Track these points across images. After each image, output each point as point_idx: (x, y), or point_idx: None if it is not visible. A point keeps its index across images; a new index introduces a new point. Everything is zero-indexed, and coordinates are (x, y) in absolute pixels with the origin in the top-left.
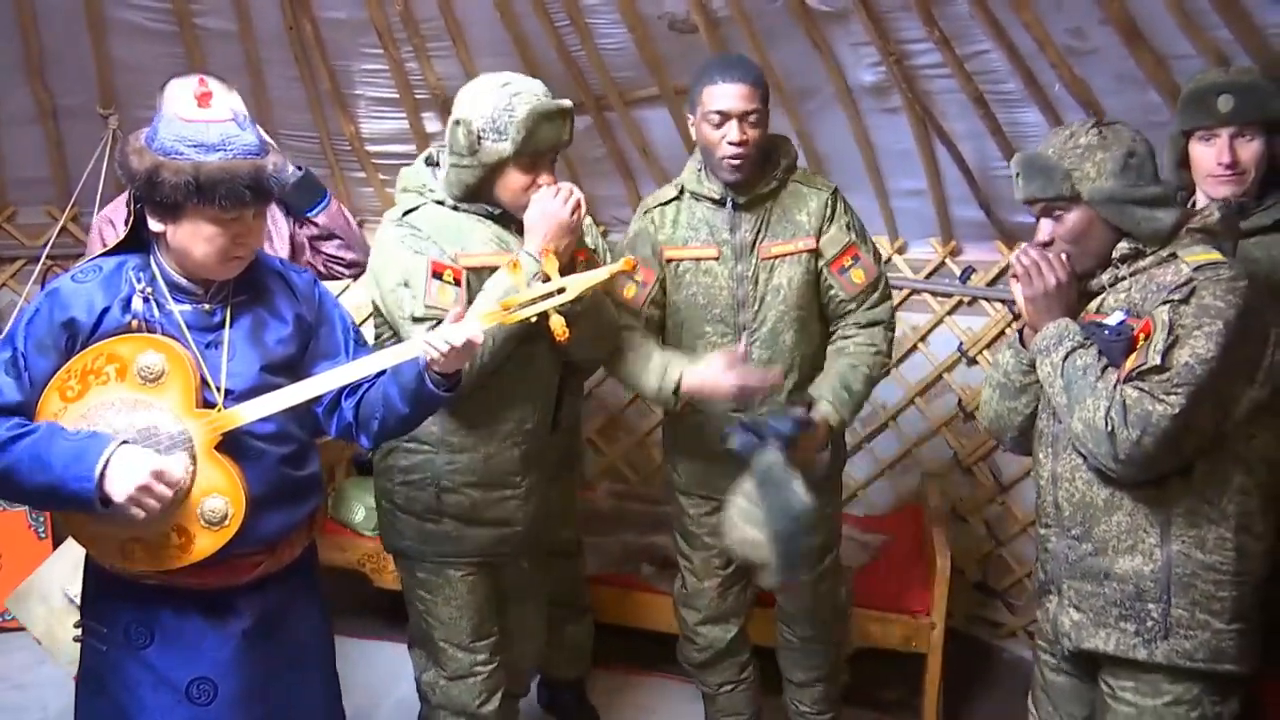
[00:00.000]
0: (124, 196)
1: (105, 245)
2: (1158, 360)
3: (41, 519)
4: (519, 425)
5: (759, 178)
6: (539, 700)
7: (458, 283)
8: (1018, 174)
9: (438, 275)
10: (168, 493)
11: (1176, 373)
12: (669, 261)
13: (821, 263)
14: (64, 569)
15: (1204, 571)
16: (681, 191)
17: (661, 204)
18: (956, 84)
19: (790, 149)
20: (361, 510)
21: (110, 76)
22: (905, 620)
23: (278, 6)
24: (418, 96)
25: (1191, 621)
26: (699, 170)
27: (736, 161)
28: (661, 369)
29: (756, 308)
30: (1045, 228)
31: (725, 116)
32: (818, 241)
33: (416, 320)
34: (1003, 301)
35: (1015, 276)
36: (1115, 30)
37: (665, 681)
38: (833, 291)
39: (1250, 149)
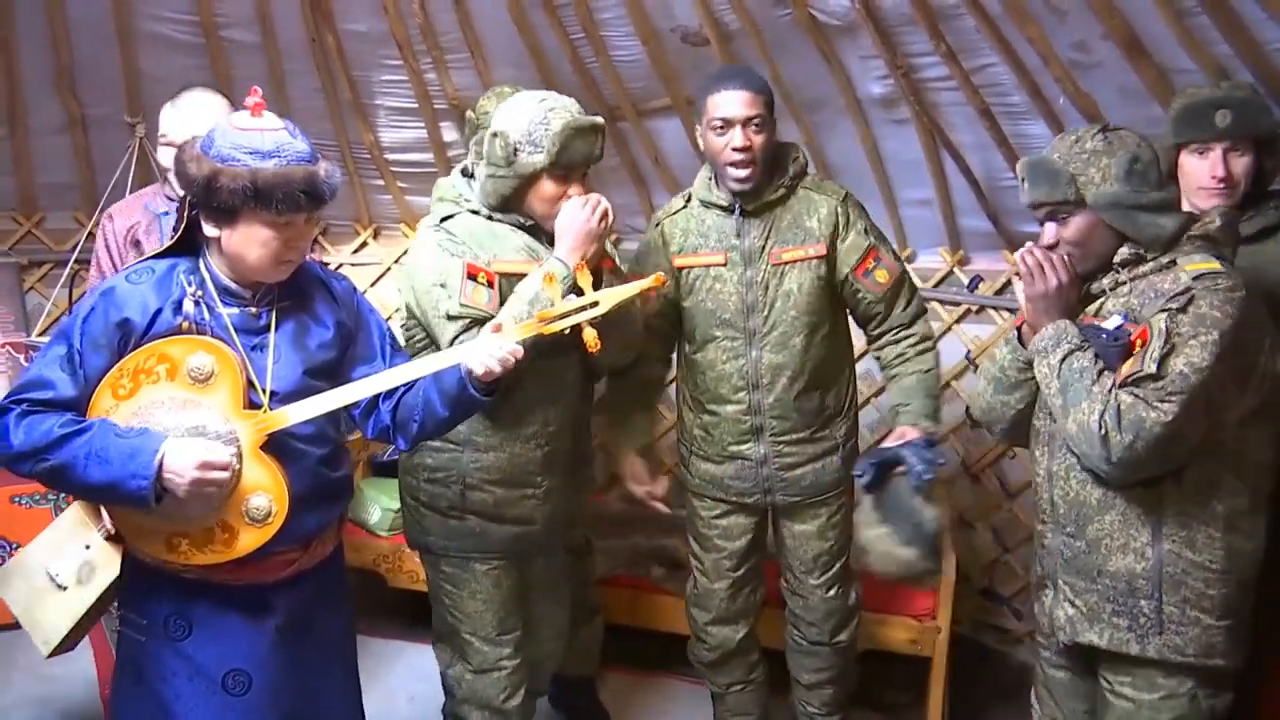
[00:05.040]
0: (132, 197)
1: (105, 239)
2: (1153, 368)
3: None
4: (543, 427)
5: (766, 185)
6: (550, 700)
7: (490, 285)
8: (1023, 178)
9: (472, 277)
10: (223, 475)
11: (1171, 380)
12: (680, 269)
13: (846, 270)
14: (45, 550)
15: (1194, 570)
16: (689, 200)
17: (671, 214)
18: (963, 96)
19: (799, 155)
20: (377, 511)
21: (137, 87)
22: (911, 624)
23: (301, 19)
24: (436, 106)
25: (1183, 618)
26: (709, 179)
27: (742, 171)
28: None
29: (766, 313)
30: (1050, 230)
31: (728, 123)
32: (829, 248)
33: (451, 318)
34: (1010, 310)
35: (1018, 274)
36: (1118, 45)
37: (675, 682)
38: (860, 294)
39: (1241, 163)
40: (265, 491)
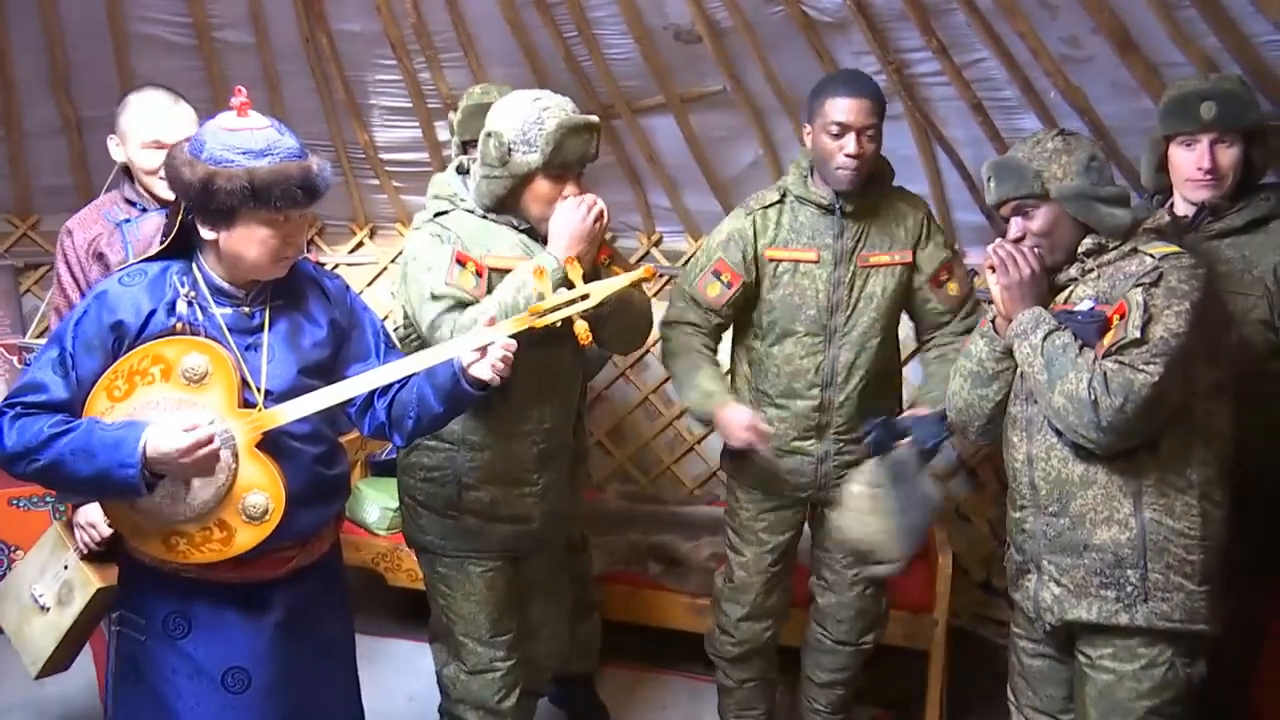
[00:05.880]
0: (88, 209)
1: (65, 255)
2: (1137, 334)
3: (64, 519)
4: (538, 425)
5: (868, 189)
6: (549, 697)
7: (480, 275)
8: (989, 178)
9: (460, 263)
10: (213, 445)
11: (1153, 345)
12: (769, 261)
13: (920, 279)
14: (32, 570)
15: (1175, 537)
16: (784, 195)
17: (764, 206)
18: (955, 91)
19: (890, 167)
20: (376, 510)
21: (132, 89)
22: (908, 618)
23: (295, 20)
24: (430, 106)
25: (1167, 584)
26: (806, 176)
27: (851, 173)
28: (704, 394)
29: (849, 313)
30: (1016, 225)
31: (845, 129)
32: (913, 256)
33: (435, 297)
34: None
35: (991, 267)
36: (1108, 39)
37: (674, 678)
38: (930, 305)
39: (1229, 155)
40: (262, 490)
